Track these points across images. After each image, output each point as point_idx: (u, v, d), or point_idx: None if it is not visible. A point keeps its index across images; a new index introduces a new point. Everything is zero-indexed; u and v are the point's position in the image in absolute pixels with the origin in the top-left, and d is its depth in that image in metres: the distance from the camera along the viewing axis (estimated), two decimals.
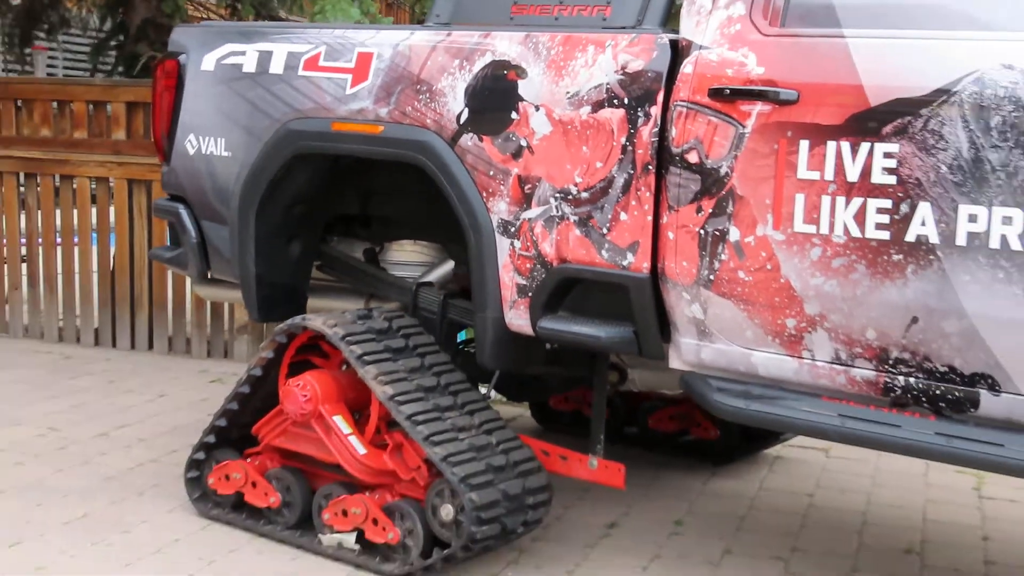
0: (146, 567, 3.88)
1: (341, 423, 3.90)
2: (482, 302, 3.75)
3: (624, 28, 3.55)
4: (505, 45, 3.69)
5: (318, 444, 3.98)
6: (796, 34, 3.18)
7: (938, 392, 3.01)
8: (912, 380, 3.04)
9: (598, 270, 3.50)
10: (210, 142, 4.46)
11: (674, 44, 3.38)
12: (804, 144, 3.10)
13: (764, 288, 3.21)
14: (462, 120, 3.74)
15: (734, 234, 3.24)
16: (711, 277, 3.29)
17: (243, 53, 4.35)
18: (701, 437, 5.32)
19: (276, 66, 4.25)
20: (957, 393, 2.98)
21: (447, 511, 3.70)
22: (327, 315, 4.04)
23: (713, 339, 3.36)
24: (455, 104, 3.76)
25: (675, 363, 3.48)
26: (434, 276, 4.46)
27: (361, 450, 3.86)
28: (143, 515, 4.39)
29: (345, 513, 3.88)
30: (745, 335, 3.29)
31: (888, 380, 3.08)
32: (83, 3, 9.31)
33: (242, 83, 4.35)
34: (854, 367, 3.13)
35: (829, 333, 3.13)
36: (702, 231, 3.29)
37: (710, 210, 3.27)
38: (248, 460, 4.21)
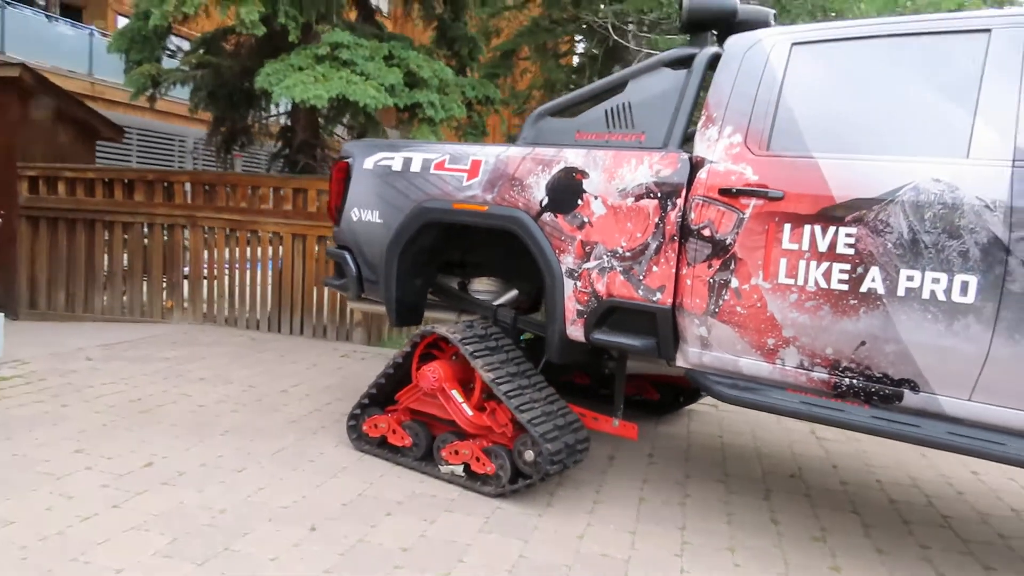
0: (333, 485, 3.30)
1: (456, 395, 3.35)
2: (553, 320, 3.24)
3: (656, 148, 3.08)
4: (573, 157, 3.20)
5: (439, 407, 3.43)
6: (778, 155, 2.73)
7: (873, 390, 2.56)
8: (855, 381, 2.59)
9: (636, 303, 3.01)
10: (368, 213, 3.89)
11: (691, 160, 2.92)
12: (787, 226, 2.64)
13: (754, 318, 2.74)
14: (543, 204, 3.23)
15: (734, 282, 2.77)
16: (716, 310, 2.82)
17: (392, 158, 3.80)
18: (648, 398, 4.83)
19: (415, 167, 3.70)
20: (887, 391, 2.53)
21: (529, 455, 3.17)
22: (447, 324, 3.49)
23: (712, 349, 2.88)
24: (539, 193, 3.25)
25: (681, 363, 3.00)
26: (505, 299, 3.94)
27: (469, 412, 3.32)
28: (320, 448, 3.78)
29: (457, 452, 3.33)
30: (735, 347, 2.81)
31: (837, 381, 2.63)
32: (263, 130, 8.69)
33: (391, 177, 3.79)
34: (813, 371, 2.67)
35: (798, 349, 2.67)
36: (711, 280, 2.82)
37: (718, 266, 2.80)
38: (389, 415, 3.64)
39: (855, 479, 3.85)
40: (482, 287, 4.13)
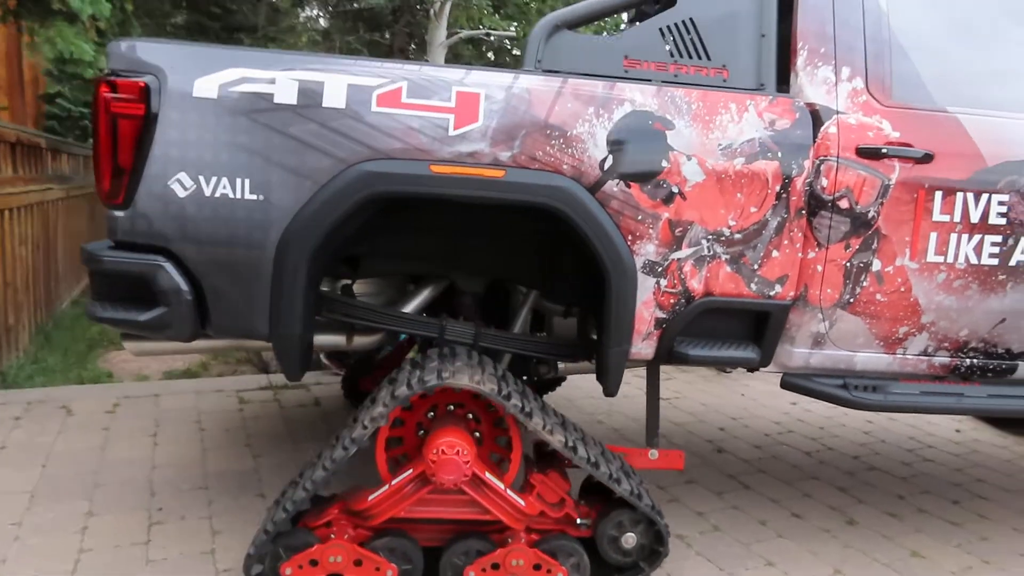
0: None
1: (494, 479, 2.12)
2: (617, 337, 2.24)
3: (752, 90, 2.30)
4: (641, 97, 2.19)
5: (460, 504, 2.13)
6: (910, 107, 2.30)
7: (991, 367, 2.44)
8: (975, 361, 2.43)
9: (745, 301, 2.28)
10: (221, 183, 2.09)
11: (810, 109, 2.26)
12: (939, 194, 2.26)
13: (893, 306, 2.32)
14: (606, 167, 2.16)
15: (876, 265, 2.29)
16: (850, 300, 2.31)
17: (272, 81, 2.08)
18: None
19: (333, 100, 2.09)
20: (1004, 365, 2.45)
21: (631, 540, 2.21)
22: (452, 369, 2.15)
23: (825, 347, 2.38)
24: (596, 150, 2.15)
25: (775, 368, 2.42)
26: (418, 303, 2.66)
27: (521, 501, 2.14)
28: None
29: (497, 567, 2.13)
30: (856, 341, 2.37)
31: (958, 363, 2.43)
32: None
33: (276, 117, 2.08)
34: (935, 356, 2.42)
35: (930, 335, 2.37)
36: (848, 264, 2.28)
37: (857, 246, 2.27)
38: (339, 537, 2.12)
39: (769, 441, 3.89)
40: (371, 291, 2.74)
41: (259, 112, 2.07)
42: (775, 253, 2.25)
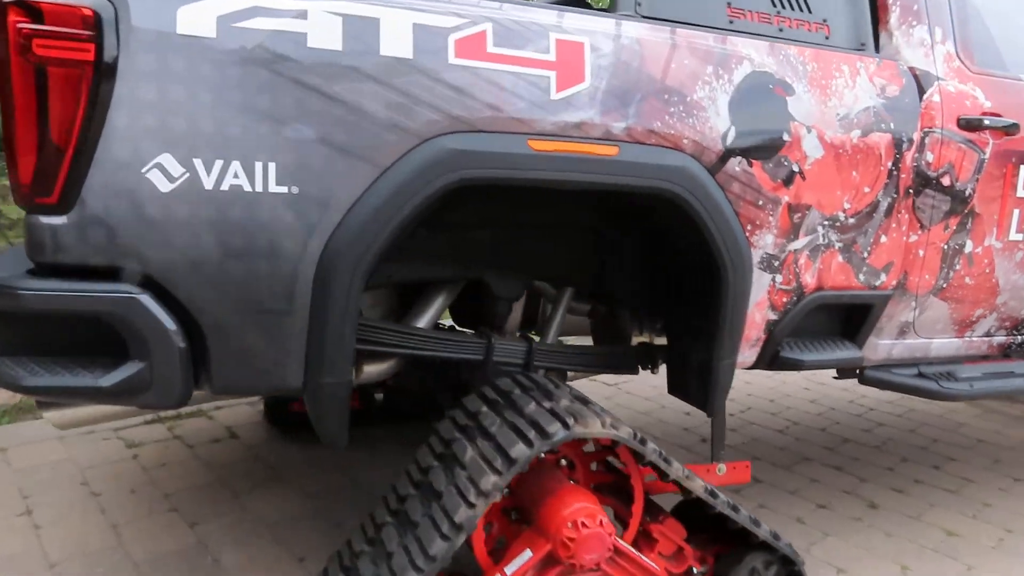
0: None
1: (628, 546, 1.66)
2: (730, 346, 1.86)
3: (854, 51, 1.98)
4: (757, 54, 1.79)
5: None
6: (993, 74, 2.13)
7: None
8: (1021, 338, 2.40)
9: (854, 293, 2.01)
10: (231, 169, 1.37)
11: (913, 73, 2.01)
12: (1023, 168, 2.14)
13: (978, 288, 2.19)
14: (728, 141, 1.74)
15: (968, 246, 2.12)
16: (943, 285, 2.13)
17: (297, 14, 1.38)
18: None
19: (395, 44, 1.45)
20: None
21: None
22: (574, 412, 1.63)
23: (908, 336, 2.20)
24: (719, 121, 1.72)
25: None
26: (432, 315, 2.08)
27: (654, 565, 1.70)
28: None
29: None
30: (936, 327, 2.22)
31: (1012, 342, 2.38)
32: None
33: (312, 68, 1.39)
34: (995, 337, 2.35)
35: (997, 315, 2.28)
36: (946, 246, 2.09)
37: (955, 227, 2.09)
38: None
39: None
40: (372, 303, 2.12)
41: (285, 61, 1.38)
42: (883, 238, 2.00)
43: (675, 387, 2.06)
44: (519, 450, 1.51)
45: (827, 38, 1.97)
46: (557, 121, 1.56)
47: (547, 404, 1.65)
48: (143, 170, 1.33)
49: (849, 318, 2.09)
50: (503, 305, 2.14)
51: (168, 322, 1.38)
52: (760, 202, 1.81)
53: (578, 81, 1.58)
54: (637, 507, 1.75)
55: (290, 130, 1.39)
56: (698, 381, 1.95)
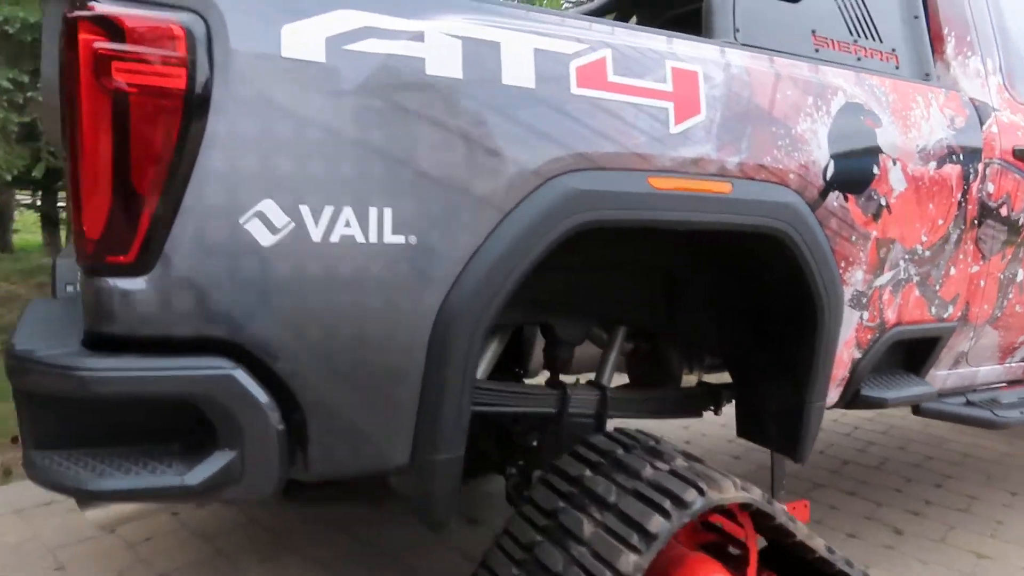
0: None
1: None
2: (821, 389, 1.77)
3: (920, 81, 1.94)
4: (847, 84, 1.72)
5: None
6: None
7: None
8: None
9: (927, 327, 1.97)
10: (342, 217, 1.15)
11: (974, 104, 2.00)
12: None
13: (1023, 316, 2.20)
14: (828, 176, 1.65)
15: (1020, 275, 2.13)
16: (999, 314, 2.13)
17: (413, 36, 1.18)
18: None
19: (517, 72, 1.27)
20: None
21: None
22: (706, 477, 1.47)
23: (960, 366, 2.19)
24: (820, 155, 1.63)
25: None
26: (487, 360, 1.90)
27: None
28: None
29: None
30: (984, 356, 2.22)
31: None
32: None
33: (432, 97, 1.20)
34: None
35: None
36: (1002, 276, 2.10)
37: (1009, 257, 2.09)
38: None
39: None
40: None
41: (403, 91, 1.19)
42: (952, 270, 1.98)
43: (748, 431, 1.96)
44: (658, 524, 1.35)
45: (897, 68, 1.94)
46: (676, 156, 1.44)
47: (662, 465, 1.50)
48: (241, 220, 1.10)
49: (913, 351, 2.06)
50: (565, 349, 1.98)
51: (266, 401, 1.15)
52: (853, 238, 1.74)
53: (695, 113, 1.46)
54: (752, 571, 1.62)
55: (408, 170, 1.20)
56: (782, 425, 1.85)
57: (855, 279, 1.78)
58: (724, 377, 2.19)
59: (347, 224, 1.17)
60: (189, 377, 1.10)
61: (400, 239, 1.20)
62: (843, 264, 1.74)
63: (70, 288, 2.00)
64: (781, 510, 1.51)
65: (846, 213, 1.71)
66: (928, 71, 2.00)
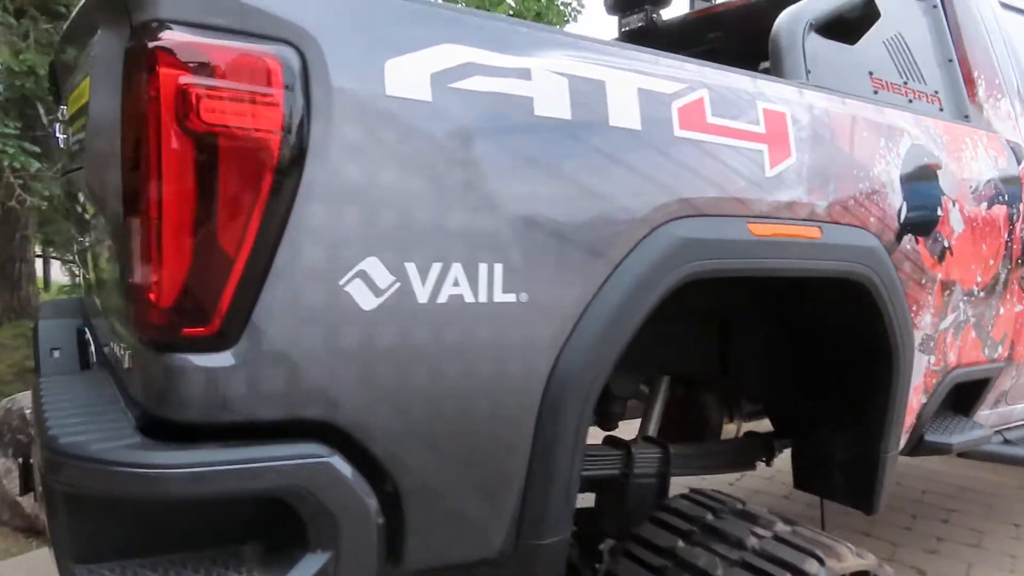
0: None
1: None
2: (894, 439, 1.68)
3: (963, 121, 1.92)
4: (909, 126, 1.67)
5: None
6: None
7: None
8: None
9: (981, 368, 1.92)
10: (450, 274, 0.99)
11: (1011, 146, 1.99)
12: None
13: None
14: (902, 218, 1.59)
15: None
16: None
17: (519, 73, 1.05)
18: None
19: (623, 113, 1.15)
20: None
21: None
22: (821, 544, 1.34)
23: (999, 405, 2.16)
24: (895, 198, 1.57)
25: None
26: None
27: None
28: None
29: None
30: (1021, 393, 2.19)
31: None
32: None
33: (543, 143, 1.06)
34: None
35: None
36: None
37: None
38: None
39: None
40: None
41: (513, 134, 1.06)
42: (1001, 310, 1.95)
43: (809, 482, 1.87)
44: None
45: (940, 111, 1.92)
46: (772, 201, 1.35)
47: (763, 531, 1.38)
48: (341, 282, 0.94)
49: (964, 393, 2.01)
50: (619, 405, 1.85)
51: (366, 491, 0.98)
52: (923, 281, 1.68)
53: (786, 156, 1.38)
54: None
55: (519, 220, 1.06)
56: (850, 476, 1.76)
57: (924, 323, 1.72)
58: (764, 424, 2.11)
59: (455, 283, 1.02)
60: (281, 469, 0.92)
61: (511, 297, 1.06)
62: (914, 308, 1.68)
63: (56, 354, 1.78)
64: (892, 574, 1.41)
65: (917, 256, 1.66)
66: (967, 113, 1.99)
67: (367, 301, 0.96)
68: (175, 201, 0.87)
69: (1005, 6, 2.26)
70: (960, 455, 2.13)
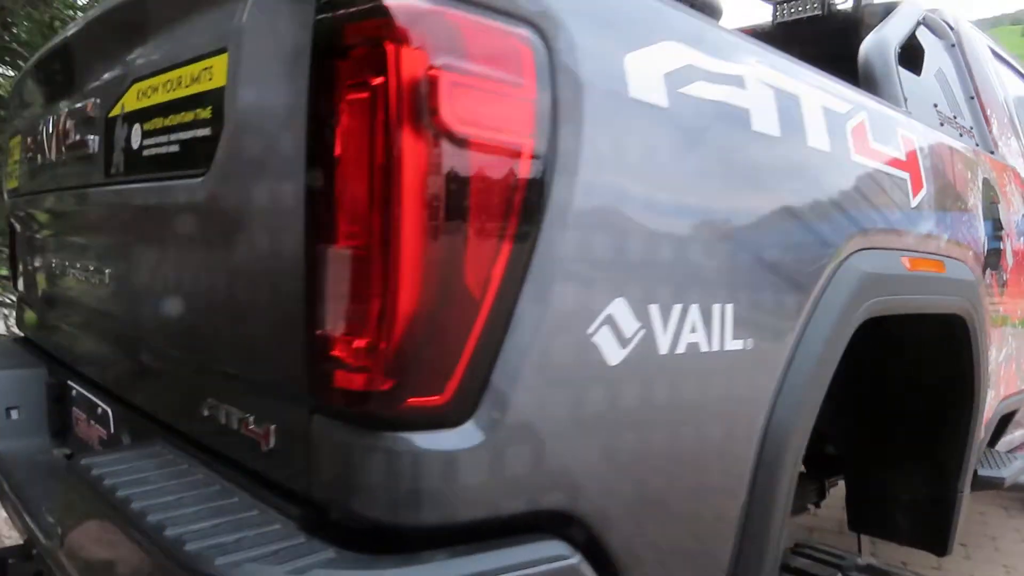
0: None
1: None
2: (967, 477, 1.63)
3: (992, 155, 1.94)
4: (980, 160, 1.65)
5: None
6: None
7: None
8: None
9: (1016, 399, 1.93)
10: (688, 318, 0.79)
11: None
12: None
13: None
14: (985, 251, 1.55)
15: None
16: None
17: (735, 81, 0.88)
18: None
19: (816, 132, 0.99)
20: None
21: None
22: None
23: (1015, 430, 2.20)
24: (981, 231, 1.53)
25: None
26: None
27: None
28: None
29: None
30: None
31: None
32: None
33: (763, 162, 0.88)
34: None
35: None
36: None
37: None
38: None
39: None
40: None
41: (738, 149, 0.90)
42: None
43: (868, 523, 1.80)
44: None
45: (977, 145, 1.96)
46: (917, 233, 1.26)
47: None
48: (589, 330, 0.73)
49: (999, 424, 2.04)
50: None
51: None
52: (994, 315, 1.67)
53: (921, 186, 1.31)
54: None
55: (745, 253, 0.90)
56: (916, 517, 1.70)
57: (992, 357, 1.71)
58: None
59: (693, 329, 0.83)
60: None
61: (739, 344, 0.88)
62: (988, 341, 1.66)
63: (15, 414, 1.41)
64: None
65: (990, 290, 1.64)
66: (992, 149, 2.04)
67: (613, 354, 0.76)
68: (411, 227, 0.63)
69: (995, 54, 2.38)
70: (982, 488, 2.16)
